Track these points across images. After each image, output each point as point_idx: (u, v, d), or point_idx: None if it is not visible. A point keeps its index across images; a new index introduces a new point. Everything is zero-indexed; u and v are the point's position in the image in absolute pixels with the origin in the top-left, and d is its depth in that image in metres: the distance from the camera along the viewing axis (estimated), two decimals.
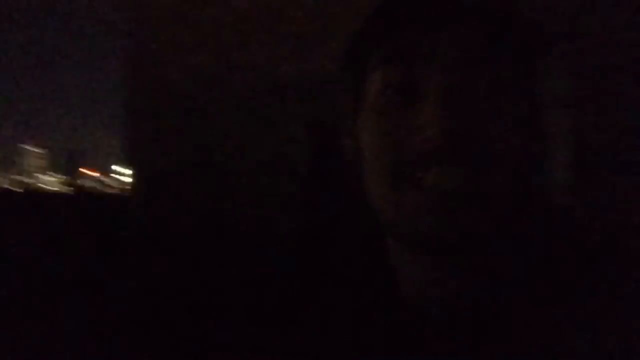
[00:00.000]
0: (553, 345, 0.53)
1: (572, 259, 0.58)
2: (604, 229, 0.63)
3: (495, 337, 0.56)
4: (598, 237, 0.61)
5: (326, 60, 5.81)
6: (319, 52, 6.22)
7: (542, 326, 0.55)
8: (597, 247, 0.59)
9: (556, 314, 0.55)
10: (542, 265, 0.59)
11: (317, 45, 6.31)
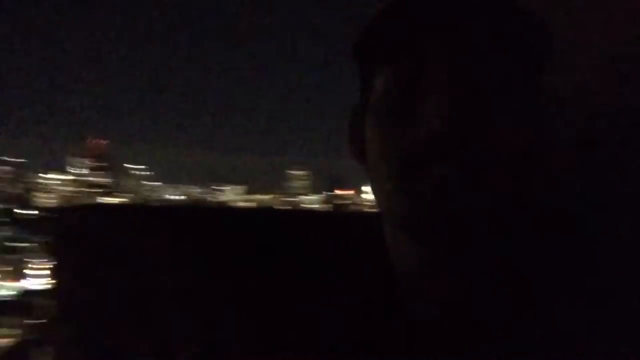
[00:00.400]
0: (549, 343, 0.53)
1: (569, 258, 0.57)
2: (604, 230, 0.63)
3: (491, 334, 0.56)
4: (597, 238, 0.59)
5: None
6: None
7: (537, 324, 0.54)
8: (595, 247, 0.58)
9: (552, 312, 0.54)
10: (539, 263, 0.58)
11: None
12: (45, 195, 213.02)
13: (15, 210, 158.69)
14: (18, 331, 64.82)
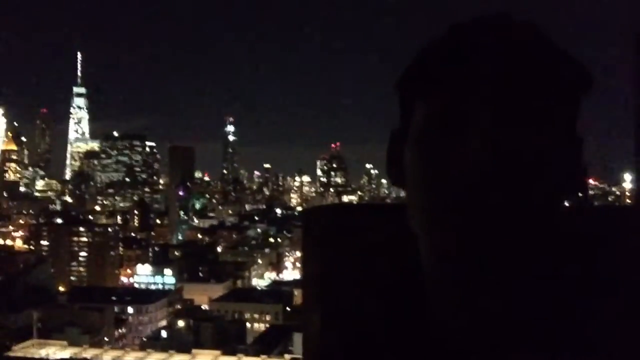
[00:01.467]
0: None
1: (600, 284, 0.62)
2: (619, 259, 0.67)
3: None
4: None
5: None
6: None
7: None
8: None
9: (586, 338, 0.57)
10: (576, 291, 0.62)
11: None
12: (294, 195, 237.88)
13: (275, 209, 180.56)
14: (270, 317, 74.38)
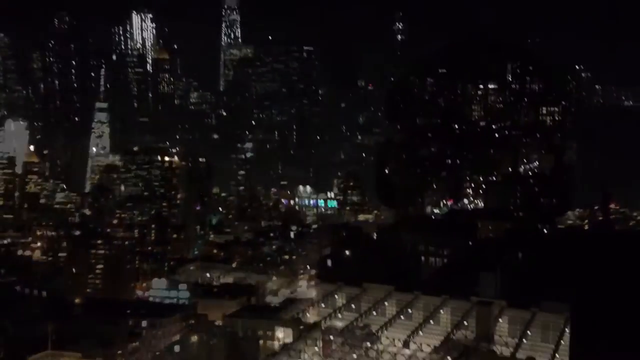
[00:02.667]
0: None
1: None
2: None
3: None
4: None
5: None
6: None
7: None
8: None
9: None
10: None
11: None
12: (310, 213, 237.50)
13: (291, 226, 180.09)
14: (284, 335, 74.00)
